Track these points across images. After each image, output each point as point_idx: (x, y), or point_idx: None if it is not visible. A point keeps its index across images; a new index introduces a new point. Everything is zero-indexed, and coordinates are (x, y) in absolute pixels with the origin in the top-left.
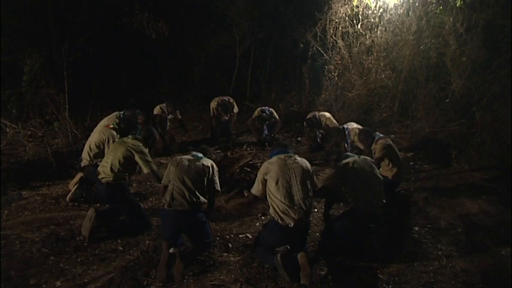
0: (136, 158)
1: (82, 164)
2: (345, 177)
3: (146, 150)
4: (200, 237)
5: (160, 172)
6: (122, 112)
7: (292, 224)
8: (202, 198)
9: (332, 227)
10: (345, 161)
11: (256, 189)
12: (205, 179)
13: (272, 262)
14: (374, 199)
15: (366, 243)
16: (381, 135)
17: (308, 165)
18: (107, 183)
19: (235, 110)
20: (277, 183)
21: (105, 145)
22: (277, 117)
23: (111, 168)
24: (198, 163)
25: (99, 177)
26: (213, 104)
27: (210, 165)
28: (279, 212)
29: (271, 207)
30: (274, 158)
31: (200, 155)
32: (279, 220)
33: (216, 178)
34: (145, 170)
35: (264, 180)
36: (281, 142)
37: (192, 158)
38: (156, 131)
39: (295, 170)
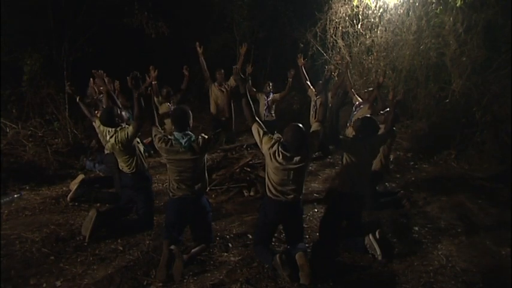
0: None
1: (106, 152)
2: (348, 147)
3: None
4: (203, 228)
5: None
6: None
7: (284, 199)
8: (203, 183)
9: (325, 217)
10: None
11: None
12: (203, 159)
13: (271, 262)
14: (361, 186)
15: (361, 228)
16: None
17: None
18: (132, 172)
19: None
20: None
21: None
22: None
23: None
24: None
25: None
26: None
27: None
28: (272, 189)
29: (266, 186)
30: None
31: (185, 139)
32: (272, 196)
33: (209, 137)
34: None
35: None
36: None
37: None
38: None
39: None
